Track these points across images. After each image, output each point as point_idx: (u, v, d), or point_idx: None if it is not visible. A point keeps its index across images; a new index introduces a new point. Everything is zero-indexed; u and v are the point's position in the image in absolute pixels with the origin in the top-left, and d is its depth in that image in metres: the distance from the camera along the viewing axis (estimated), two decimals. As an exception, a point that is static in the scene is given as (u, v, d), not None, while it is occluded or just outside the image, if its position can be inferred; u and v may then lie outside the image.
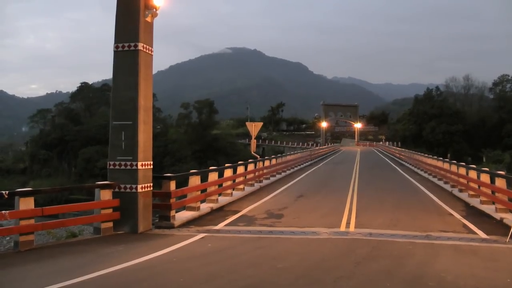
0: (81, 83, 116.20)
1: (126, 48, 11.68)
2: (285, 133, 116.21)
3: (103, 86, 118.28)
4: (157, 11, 12.05)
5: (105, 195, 11.36)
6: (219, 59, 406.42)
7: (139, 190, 11.46)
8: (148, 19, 11.93)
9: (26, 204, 9.95)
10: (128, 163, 11.52)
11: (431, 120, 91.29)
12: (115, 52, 11.86)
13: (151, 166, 12.06)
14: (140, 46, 11.59)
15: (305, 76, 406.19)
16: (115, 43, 11.85)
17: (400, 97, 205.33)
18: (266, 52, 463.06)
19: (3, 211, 9.86)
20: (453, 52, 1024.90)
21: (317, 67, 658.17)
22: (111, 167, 11.71)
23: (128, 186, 11.50)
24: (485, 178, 15.97)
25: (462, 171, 19.40)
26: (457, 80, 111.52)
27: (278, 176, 26.15)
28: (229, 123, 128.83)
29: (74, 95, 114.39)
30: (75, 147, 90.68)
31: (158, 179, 12.65)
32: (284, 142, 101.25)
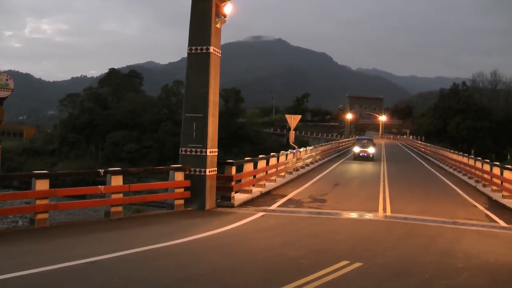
0: (109, 69, 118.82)
1: (198, 51, 13.57)
2: (309, 123, 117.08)
3: (131, 73, 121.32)
4: (225, 18, 13.89)
5: (179, 176, 13.36)
6: (242, 47, 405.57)
7: (207, 173, 13.43)
8: (218, 25, 13.80)
9: (116, 181, 12.04)
10: (199, 150, 13.48)
11: (456, 116, 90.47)
12: (188, 54, 13.79)
13: (217, 153, 14.02)
14: (211, 49, 13.48)
15: (329, 66, 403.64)
16: (188, 45, 13.75)
17: (425, 90, 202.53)
18: (291, 42, 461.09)
19: (99, 186, 12.03)
20: (478, 46, 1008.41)
21: (341, 58, 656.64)
22: (183, 152, 13.69)
23: (197, 169, 13.46)
24: (508, 174, 17.50)
25: (486, 167, 20.92)
26: (484, 75, 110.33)
27: (311, 166, 27.94)
28: (254, 112, 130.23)
29: (102, 81, 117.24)
30: (102, 131, 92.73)
31: (221, 164, 14.56)
32: (309, 133, 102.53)
